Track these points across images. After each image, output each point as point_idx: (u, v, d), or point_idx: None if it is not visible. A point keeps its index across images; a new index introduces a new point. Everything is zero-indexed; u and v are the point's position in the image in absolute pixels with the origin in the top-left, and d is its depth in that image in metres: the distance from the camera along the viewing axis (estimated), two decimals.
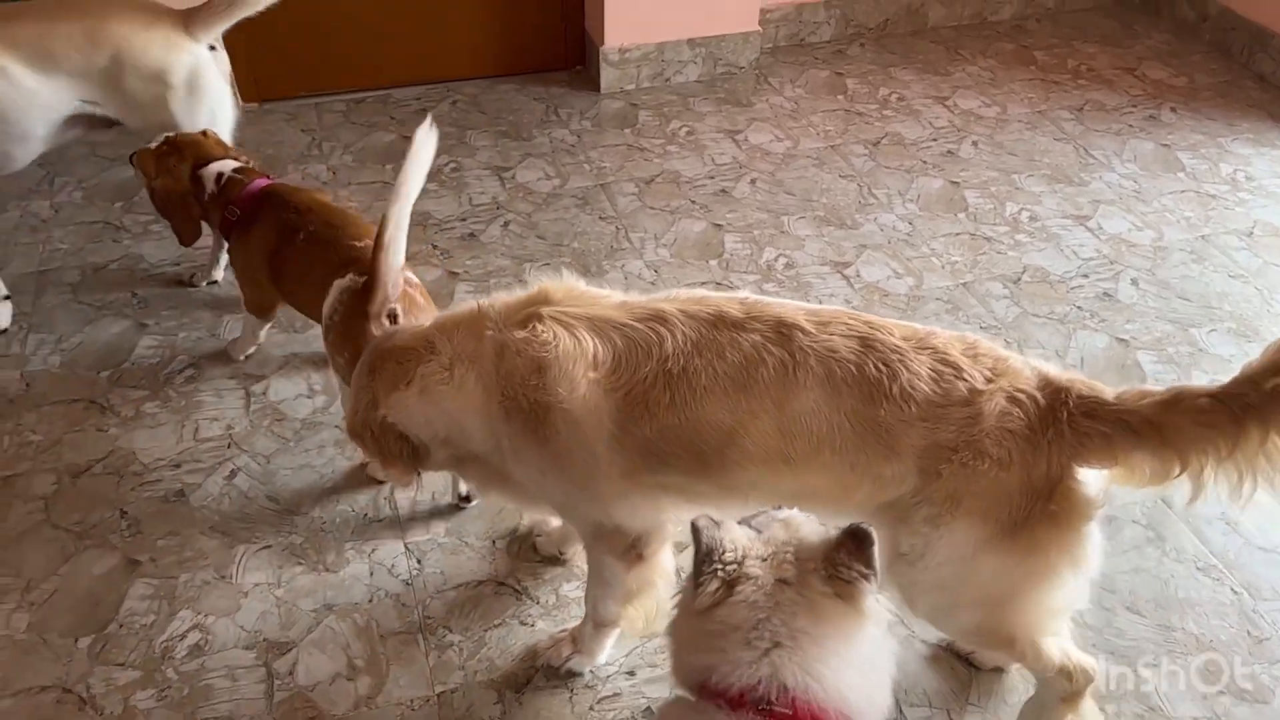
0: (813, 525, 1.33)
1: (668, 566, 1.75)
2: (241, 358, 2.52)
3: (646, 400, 1.48)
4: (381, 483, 2.20)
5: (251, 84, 3.36)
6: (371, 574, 2.04)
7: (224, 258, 2.68)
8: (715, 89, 3.78)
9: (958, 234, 3.04)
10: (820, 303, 2.71)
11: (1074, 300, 2.78)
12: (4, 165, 2.47)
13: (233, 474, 2.25)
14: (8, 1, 2.41)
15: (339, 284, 1.98)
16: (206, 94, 2.45)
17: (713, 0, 3.67)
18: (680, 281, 2.82)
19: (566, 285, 1.59)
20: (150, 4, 2.45)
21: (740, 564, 1.22)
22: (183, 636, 1.93)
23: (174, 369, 2.51)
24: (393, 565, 2.06)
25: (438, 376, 1.55)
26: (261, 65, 3.44)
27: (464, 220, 3.03)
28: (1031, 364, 1.50)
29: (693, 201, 3.15)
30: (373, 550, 2.09)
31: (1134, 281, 2.84)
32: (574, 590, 2.01)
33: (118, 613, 1.96)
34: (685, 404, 1.47)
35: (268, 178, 2.31)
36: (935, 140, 3.50)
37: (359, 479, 2.23)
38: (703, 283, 2.82)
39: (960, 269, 2.90)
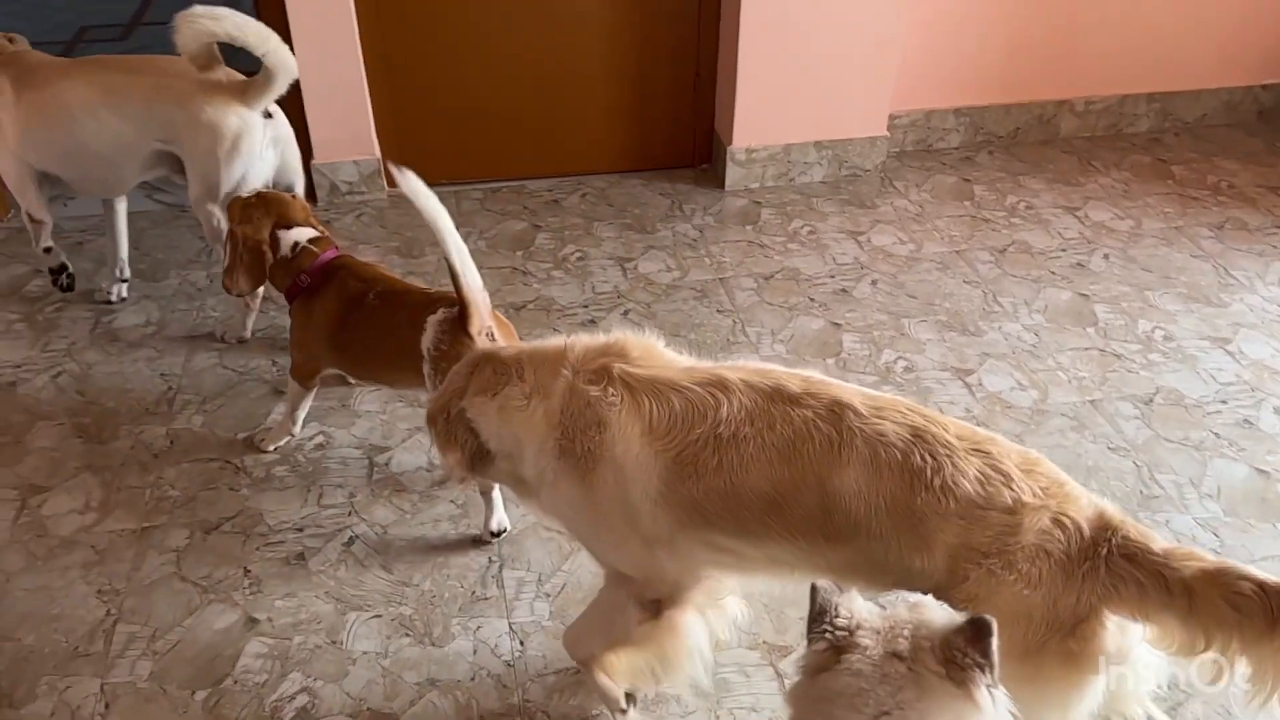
0: (941, 611, 1.29)
1: (688, 637, 1.74)
2: (272, 449, 2.58)
3: (696, 462, 1.54)
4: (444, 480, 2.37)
5: (399, 171, 3.57)
6: (475, 651, 2.07)
7: (253, 319, 2.92)
8: (839, 190, 3.82)
9: (1086, 349, 2.97)
10: (940, 409, 2.67)
11: (1210, 426, 2.66)
12: (109, 190, 3.01)
13: (351, 541, 2.32)
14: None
15: (433, 319, 2.14)
16: (247, 153, 2.73)
17: (841, 105, 3.74)
18: None
19: (644, 343, 1.67)
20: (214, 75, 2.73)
21: (852, 632, 1.21)
22: (292, 698, 1.98)
23: (304, 436, 2.63)
24: (496, 645, 2.08)
25: (517, 402, 1.66)
26: (408, 154, 3.63)
27: (585, 307, 3.12)
28: (1092, 497, 1.47)
29: (811, 299, 3.17)
30: (478, 628, 2.12)
31: (1276, 410, 2.71)
32: (671, 688, 1.99)
33: (233, 669, 2.03)
34: (732, 469, 1.52)
35: (336, 249, 2.47)
36: (1064, 251, 3.44)
37: (468, 550, 2.28)
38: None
39: (1088, 385, 2.82)
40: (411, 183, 1.97)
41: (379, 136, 3.60)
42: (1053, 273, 3.32)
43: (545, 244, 3.45)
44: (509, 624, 2.12)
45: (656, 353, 1.67)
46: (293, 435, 2.60)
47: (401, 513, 2.40)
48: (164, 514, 2.40)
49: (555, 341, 1.72)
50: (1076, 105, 4.14)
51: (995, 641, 1.17)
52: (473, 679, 2.01)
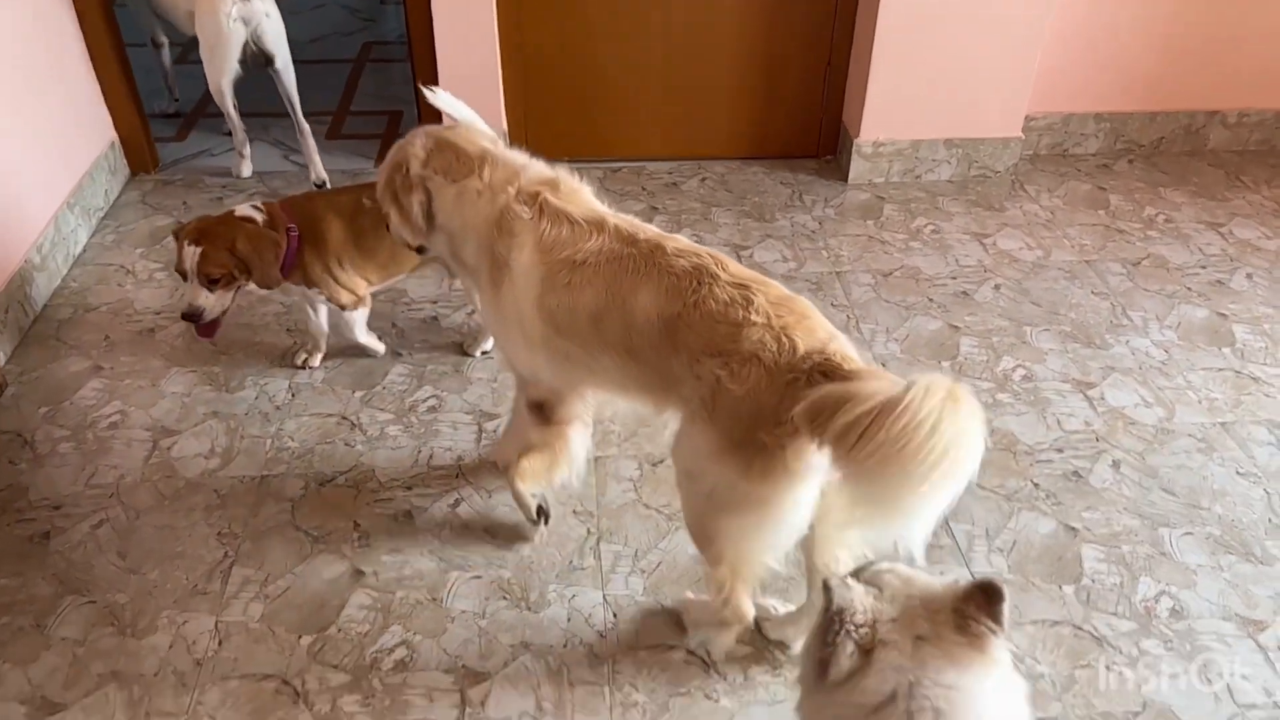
0: (922, 574, 1.29)
1: (572, 446, 2.14)
2: (382, 351, 2.84)
3: (555, 278, 1.85)
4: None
5: (523, 147, 3.63)
6: (569, 619, 2.09)
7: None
8: (967, 190, 3.71)
9: (1220, 369, 2.82)
10: (1059, 421, 2.60)
11: None
12: (223, 74, 3.47)
13: (457, 503, 2.38)
14: None
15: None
16: (212, 29, 3.38)
17: (976, 103, 3.63)
18: None
19: (576, 185, 1.97)
20: None
21: (873, 628, 1.18)
22: (391, 650, 2.04)
23: (419, 398, 2.70)
24: (590, 615, 2.10)
25: (472, 196, 1.96)
26: (533, 130, 3.71)
27: None
28: (839, 340, 1.65)
29: (930, 300, 3.10)
30: (573, 596, 2.14)
31: None
32: (763, 673, 1.98)
33: (338, 617, 2.11)
34: (575, 288, 1.83)
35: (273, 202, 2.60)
36: (1204, 268, 3.28)
37: (568, 520, 2.31)
38: None
39: (1220, 407, 2.68)
40: (442, 98, 2.17)
41: (507, 114, 3.66)
42: (1189, 289, 3.17)
43: (660, 226, 3.44)
44: (603, 595, 2.14)
45: (582, 195, 1.96)
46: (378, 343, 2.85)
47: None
48: (282, 464, 2.50)
49: (517, 157, 2.00)
50: (1229, 117, 3.93)
51: (1007, 606, 1.18)
52: (565, 645, 2.04)
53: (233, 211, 2.52)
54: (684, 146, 3.88)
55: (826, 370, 1.57)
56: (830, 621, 1.18)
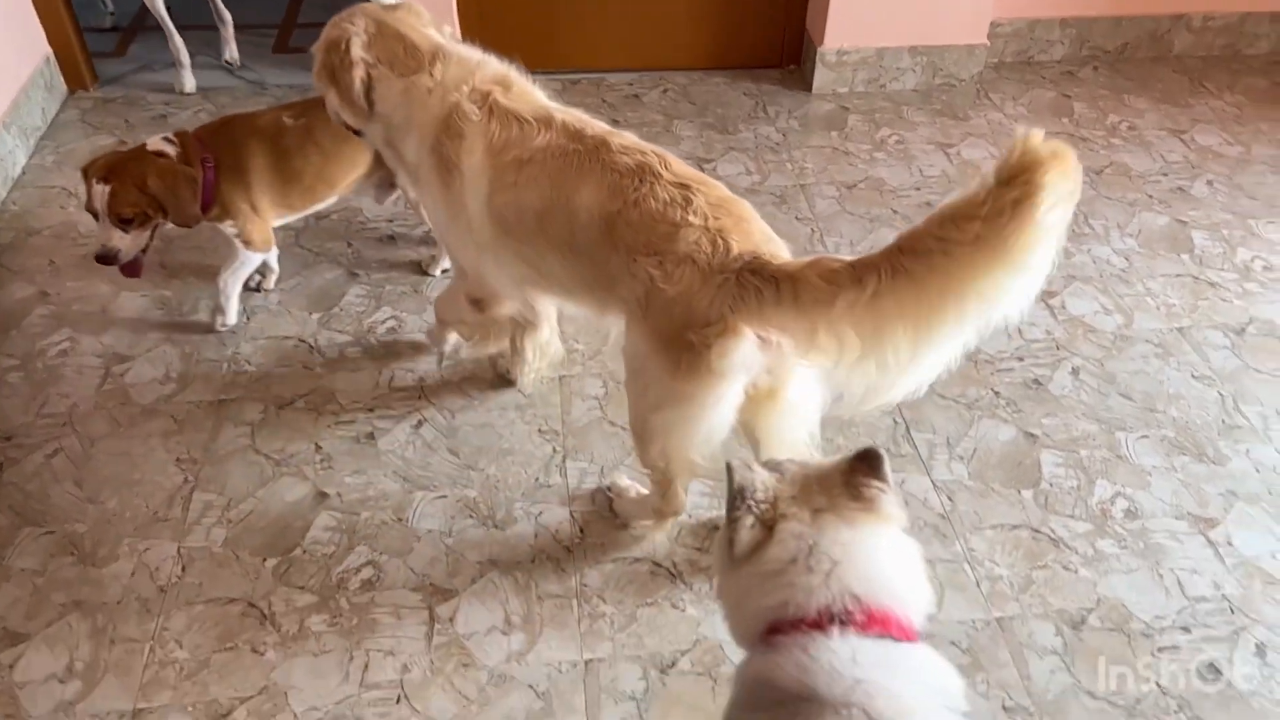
0: (819, 459, 1.40)
1: (501, 326, 2.28)
2: (233, 323, 2.62)
3: (503, 178, 1.85)
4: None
5: None
6: (536, 536, 2.10)
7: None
8: (931, 100, 3.67)
9: (1178, 275, 2.84)
10: (1020, 331, 2.60)
11: None
12: None
13: (420, 424, 2.36)
14: None
15: None
16: None
17: (942, 9, 3.56)
18: None
19: (525, 85, 1.95)
20: None
21: (774, 505, 1.25)
22: (358, 570, 2.04)
23: (378, 319, 2.66)
24: (557, 530, 2.11)
25: (421, 92, 1.93)
26: (485, 38, 3.58)
27: None
28: (780, 244, 1.69)
29: (895, 211, 3.08)
30: (540, 514, 2.14)
31: None
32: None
33: (303, 539, 2.10)
34: (521, 186, 1.83)
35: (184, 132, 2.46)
36: (1166, 175, 3.28)
37: (534, 438, 2.30)
38: None
39: (1177, 313, 2.70)
40: None
41: (460, 19, 3.54)
42: (1150, 196, 3.17)
43: None
44: (570, 512, 2.15)
45: (533, 94, 1.94)
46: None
47: (470, 399, 2.42)
48: (240, 388, 2.46)
49: (470, 54, 1.97)
50: (1194, 21, 3.89)
51: (888, 466, 1.26)
52: (533, 561, 2.05)
53: (144, 145, 2.39)
54: (645, 57, 3.78)
55: (755, 268, 1.59)
56: (733, 499, 1.25)
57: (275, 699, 1.80)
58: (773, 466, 1.33)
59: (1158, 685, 1.82)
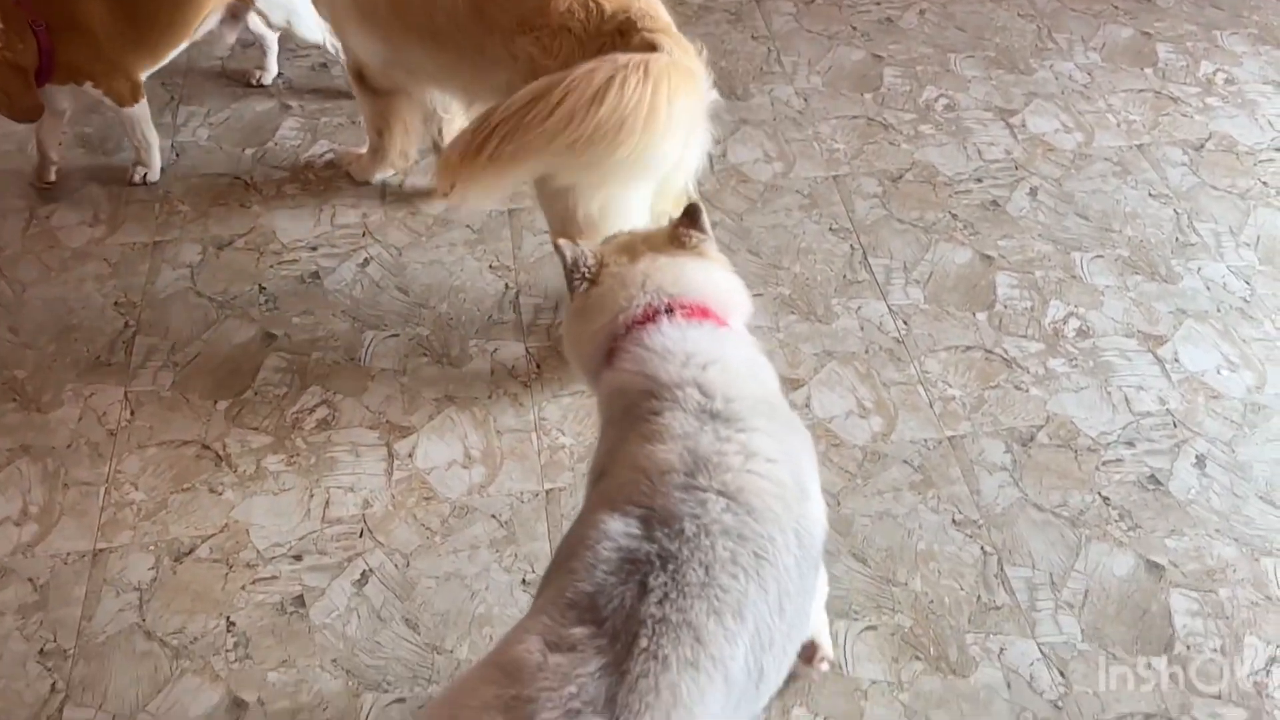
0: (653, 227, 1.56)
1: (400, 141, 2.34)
2: (158, 169, 2.47)
3: None
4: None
5: None
6: (493, 372, 2.08)
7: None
8: None
9: (1140, 90, 2.78)
10: (979, 150, 2.56)
11: (1260, 175, 2.53)
12: None
13: (366, 262, 2.29)
14: None
15: None
16: None
17: None
18: (831, 114, 2.68)
19: None
20: None
21: (600, 263, 1.41)
22: (312, 410, 2.01)
23: (315, 153, 2.54)
24: (513, 366, 2.09)
25: None
26: None
27: None
28: (660, 8, 1.73)
29: (854, 28, 2.95)
30: (495, 350, 2.12)
31: None
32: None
33: (254, 381, 2.06)
34: None
35: None
36: None
37: (485, 275, 2.25)
38: (854, 115, 2.67)
39: (1137, 129, 2.66)
40: None
41: None
42: (1116, 7, 3.07)
43: None
44: (525, 348, 2.12)
45: None
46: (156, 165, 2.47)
47: (416, 235, 2.35)
48: (175, 229, 2.35)
49: None
50: None
51: (706, 218, 1.43)
52: (490, 397, 2.03)
53: None
54: None
55: (624, 30, 1.63)
56: (569, 273, 1.41)
57: (237, 536, 1.81)
58: (607, 239, 1.51)
59: (1101, 496, 1.88)
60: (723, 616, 1.01)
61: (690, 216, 1.43)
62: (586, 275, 1.39)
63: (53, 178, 2.43)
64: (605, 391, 1.34)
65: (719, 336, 1.32)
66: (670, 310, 1.32)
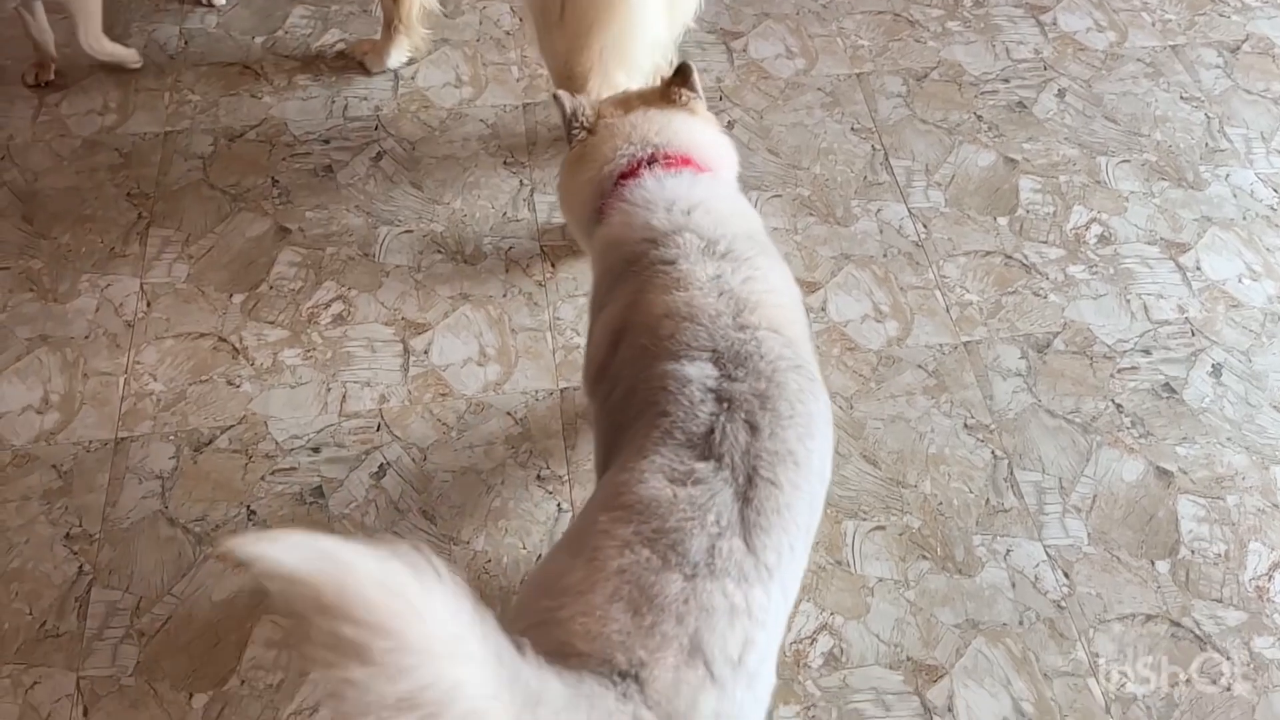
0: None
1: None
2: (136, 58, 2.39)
3: None
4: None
5: None
6: (507, 271, 2.07)
7: None
8: None
9: None
10: (1008, 50, 2.49)
11: None
12: None
13: (379, 156, 2.26)
14: None
15: None
16: None
17: None
18: (856, 8, 2.60)
19: None
20: None
21: (597, 115, 1.51)
22: (327, 305, 2.01)
23: (326, 42, 2.48)
24: (528, 266, 2.08)
25: None
26: None
27: None
28: None
29: None
30: (509, 248, 2.10)
31: None
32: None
33: (268, 275, 2.05)
34: None
35: None
36: None
37: (499, 170, 2.22)
38: (880, 10, 2.59)
39: (1173, 29, 2.58)
40: None
41: None
42: None
43: None
44: (540, 247, 2.11)
45: None
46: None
47: (430, 130, 2.31)
48: (186, 119, 2.32)
49: None
50: None
51: (698, 77, 1.53)
52: (505, 295, 2.03)
53: None
54: None
55: None
56: (567, 123, 1.51)
57: (256, 428, 1.83)
58: (600, 99, 1.59)
59: (1114, 404, 1.89)
60: (805, 440, 1.14)
61: (682, 75, 1.53)
62: (585, 125, 1.50)
63: (51, 76, 2.38)
64: (599, 246, 1.42)
65: (696, 182, 1.40)
66: (653, 160, 1.42)
